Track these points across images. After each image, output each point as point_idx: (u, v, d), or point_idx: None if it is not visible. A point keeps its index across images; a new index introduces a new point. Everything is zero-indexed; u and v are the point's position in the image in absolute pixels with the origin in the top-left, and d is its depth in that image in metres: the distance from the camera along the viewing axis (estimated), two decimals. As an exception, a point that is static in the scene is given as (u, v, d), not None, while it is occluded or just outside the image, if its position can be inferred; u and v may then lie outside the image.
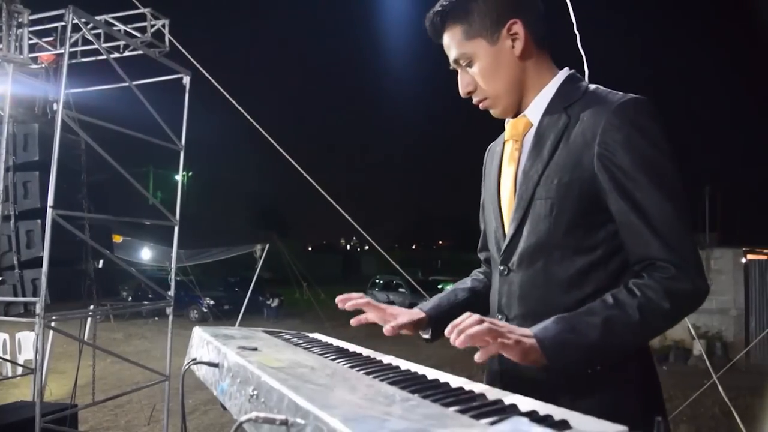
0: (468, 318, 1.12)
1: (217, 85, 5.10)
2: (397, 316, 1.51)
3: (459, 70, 1.46)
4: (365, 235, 5.26)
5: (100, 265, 5.20)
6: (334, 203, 4.99)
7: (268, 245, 12.33)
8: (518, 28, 1.37)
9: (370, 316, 1.56)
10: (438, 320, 1.55)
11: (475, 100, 1.45)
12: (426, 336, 1.60)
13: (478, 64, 1.40)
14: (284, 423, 0.83)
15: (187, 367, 1.46)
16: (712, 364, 10.50)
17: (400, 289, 21.68)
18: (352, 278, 45.40)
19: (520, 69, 1.40)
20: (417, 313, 1.55)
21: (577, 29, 2.53)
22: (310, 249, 72.62)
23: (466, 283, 1.71)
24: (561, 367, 1.16)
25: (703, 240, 16.08)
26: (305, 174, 5.07)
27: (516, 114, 1.46)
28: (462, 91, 1.45)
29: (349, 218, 5.05)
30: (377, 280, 23.91)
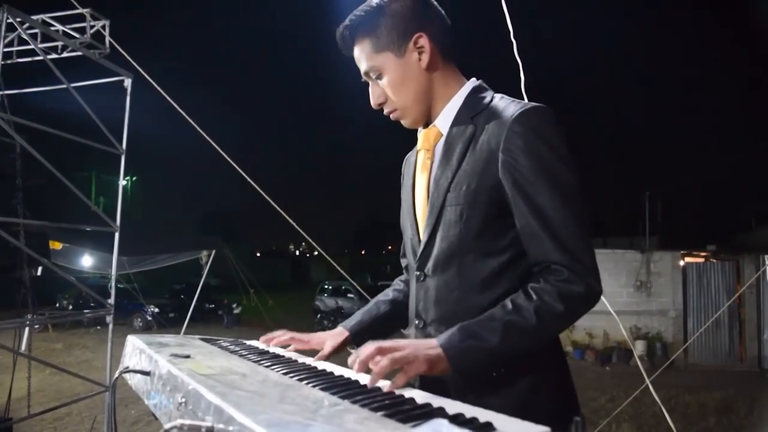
0: (366, 349, 1.17)
1: (159, 88, 4.99)
2: (323, 345, 1.58)
3: (370, 83, 1.50)
4: (311, 241, 5.22)
5: (39, 273, 5.04)
6: (279, 209, 4.93)
7: (214, 251, 12.12)
8: (424, 41, 1.42)
9: (298, 348, 1.62)
10: (361, 336, 1.61)
11: (385, 111, 1.50)
12: (352, 351, 1.63)
13: (387, 76, 1.44)
14: (210, 430, 0.82)
15: (117, 375, 1.42)
16: (652, 364, 10.86)
17: (349, 295, 21.59)
18: (301, 284, 45.11)
19: (428, 80, 1.45)
20: (340, 334, 1.62)
21: (514, 37, 2.59)
22: (258, 255, 71.79)
23: (388, 294, 1.76)
24: (466, 373, 1.21)
25: (643, 243, 16.55)
26: (250, 180, 4.99)
27: (427, 124, 1.51)
28: (373, 102, 1.50)
29: (295, 224, 5.00)
30: (326, 286, 23.76)
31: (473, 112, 1.41)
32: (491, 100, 1.42)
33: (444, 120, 1.46)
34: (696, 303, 13.32)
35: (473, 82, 1.50)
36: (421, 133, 1.53)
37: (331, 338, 1.60)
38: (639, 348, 12.36)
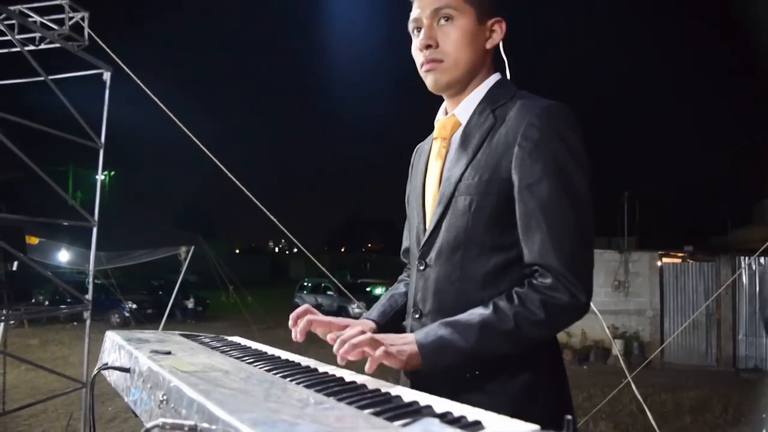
0: (351, 330, 1.18)
1: (139, 82, 4.92)
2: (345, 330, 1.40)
3: (427, 24, 1.41)
4: (292, 237, 5.18)
5: (14, 268, 4.96)
6: (260, 205, 4.88)
7: (193, 247, 12.03)
8: (501, 27, 1.44)
9: (318, 330, 1.40)
10: (385, 326, 1.52)
11: (428, 55, 1.40)
12: None
13: (459, 27, 1.39)
14: (193, 429, 0.80)
15: (96, 372, 1.39)
16: (629, 363, 10.96)
17: (329, 292, 21.61)
18: (280, 281, 44.93)
19: (481, 58, 1.44)
20: (367, 324, 1.49)
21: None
22: (237, 252, 71.28)
23: (400, 288, 1.67)
24: (438, 371, 1.20)
25: (621, 244, 16.71)
26: (230, 175, 4.95)
27: (451, 93, 1.47)
28: (423, 41, 1.41)
29: (275, 220, 4.96)
30: (305, 283, 23.72)
31: (495, 104, 1.39)
32: (514, 95, 1.40)
33: (464, 110, 1.44)
34: (673, 303, 13.47)
35: (497, 75, 1.48)
36: (438, 122, 1.51)
37: (358, 326, 1.40)
38: (616, 347, 12.48)
